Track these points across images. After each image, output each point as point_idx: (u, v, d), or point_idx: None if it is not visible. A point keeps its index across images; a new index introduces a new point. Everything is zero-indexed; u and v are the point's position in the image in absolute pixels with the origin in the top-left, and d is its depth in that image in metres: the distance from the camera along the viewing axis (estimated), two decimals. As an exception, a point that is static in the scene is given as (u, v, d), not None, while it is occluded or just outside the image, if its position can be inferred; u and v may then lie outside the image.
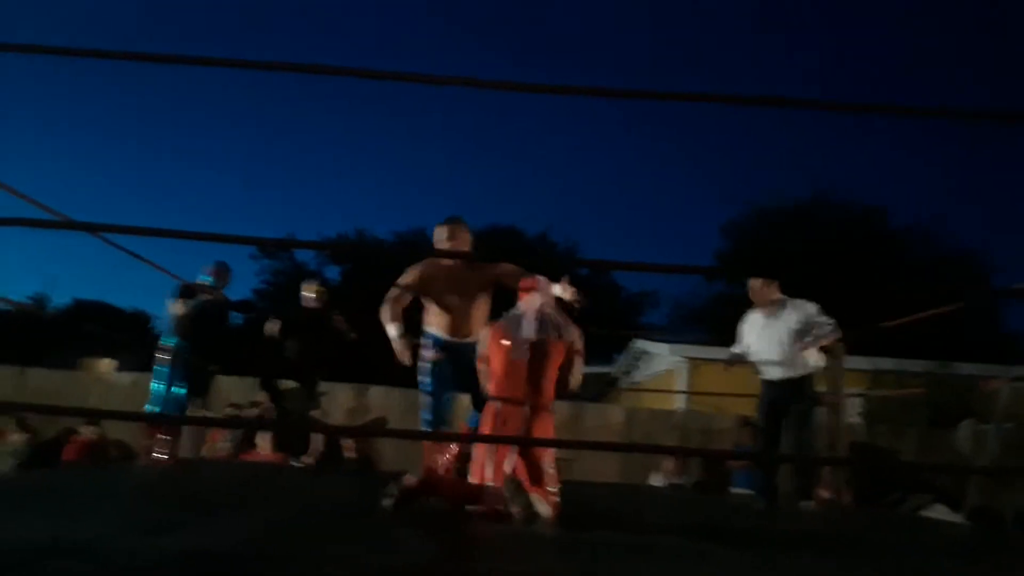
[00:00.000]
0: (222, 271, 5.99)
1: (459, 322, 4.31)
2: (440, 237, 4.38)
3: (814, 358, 5.46)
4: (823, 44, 51.92)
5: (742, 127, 51.61)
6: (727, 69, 47.27)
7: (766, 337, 5.48)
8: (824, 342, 5.47)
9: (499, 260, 5.02)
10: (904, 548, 3.62)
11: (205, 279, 5.90)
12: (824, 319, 5.38)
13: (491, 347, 3.87)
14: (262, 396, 7.90)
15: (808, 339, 5.34)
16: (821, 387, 6.77)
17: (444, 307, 4.32)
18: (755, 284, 5.63)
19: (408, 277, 4.39)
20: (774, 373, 5.45)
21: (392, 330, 4.32)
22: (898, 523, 5.35)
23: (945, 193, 45.46)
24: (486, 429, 3.74)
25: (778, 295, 5.56)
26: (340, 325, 6.62)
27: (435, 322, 4.37)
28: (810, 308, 5.45)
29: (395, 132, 56.13)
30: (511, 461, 3.55)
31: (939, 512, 7.28)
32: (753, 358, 5.63)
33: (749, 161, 49.46)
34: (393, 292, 4.38)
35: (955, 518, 7.02)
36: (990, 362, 13.07)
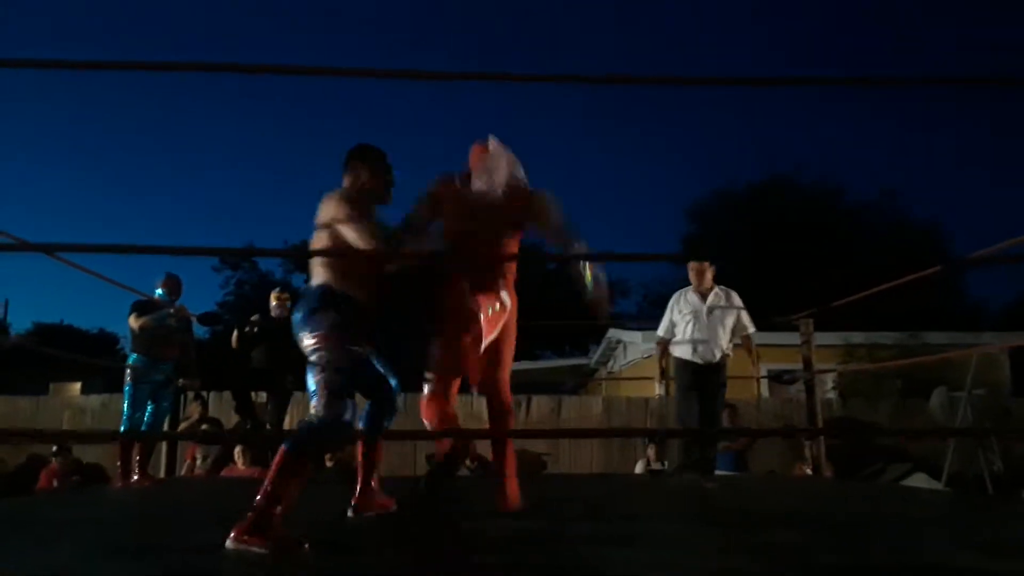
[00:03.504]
0: (172, 283, 5.91)
1: None
2: None
3: (730, 344, 5.63)
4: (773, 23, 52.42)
5: (703, 110, 52.02)
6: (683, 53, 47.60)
7: (699, 321, 5.54)
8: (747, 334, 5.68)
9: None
10: (886, 518, 3.65)
11: (160, 294, 5.83)
12: (745, 313, 5.61)
13: None
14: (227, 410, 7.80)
15: (734, 331, 5.58)
16: (795, 364, 6.81)
17: None
18: (694, 266, 5.70)
19: None
20: (698, 355, 5.51)
21: None
22: (879, 494, 5.39)
23: (897, 167, 46.14)
24: None
25: (710, 281, 5.65)
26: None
27: None
28: (737, 300, 5.63)
29: (353, 131, 55.73)
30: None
31: (919, 480, 7.39)
32: (679, 339, 5.66)
33: (710, 143, 49.92)
34: None
35: (935, 485, 7.12)
36: (959, 330, 13.28)
